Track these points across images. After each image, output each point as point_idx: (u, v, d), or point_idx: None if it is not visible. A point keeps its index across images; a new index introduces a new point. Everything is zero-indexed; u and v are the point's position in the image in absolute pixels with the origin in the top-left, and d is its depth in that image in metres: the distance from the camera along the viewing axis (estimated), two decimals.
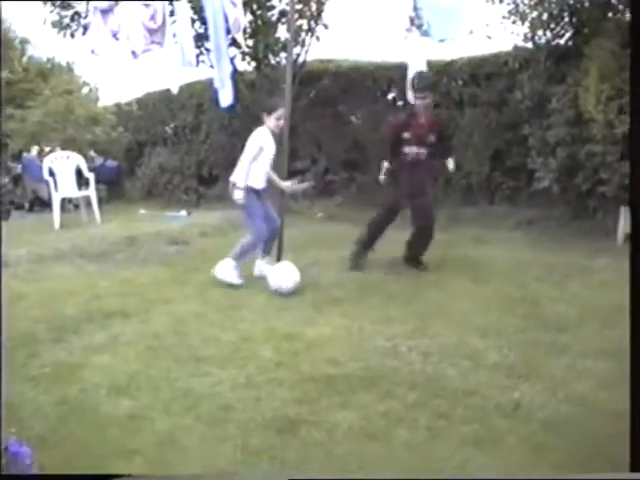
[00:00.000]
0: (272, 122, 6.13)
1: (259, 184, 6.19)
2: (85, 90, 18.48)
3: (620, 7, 8.12)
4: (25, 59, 19.86)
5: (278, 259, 6.45)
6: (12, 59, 18.71)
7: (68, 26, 10.50)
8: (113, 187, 13.82)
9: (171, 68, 7.43)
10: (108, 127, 14.06)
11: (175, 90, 7.54)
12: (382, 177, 6.55)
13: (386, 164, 6.53)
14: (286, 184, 6.52)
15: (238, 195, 6.03)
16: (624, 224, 7.15)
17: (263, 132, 6.15)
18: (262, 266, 6.37)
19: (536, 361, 4.06)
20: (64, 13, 10.46)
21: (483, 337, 4.49)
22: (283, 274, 5.87)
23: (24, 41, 20.38)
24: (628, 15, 8.09)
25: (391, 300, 5.48)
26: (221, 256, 6.26)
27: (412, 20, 7.14)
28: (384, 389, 3.69)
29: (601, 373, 3.85)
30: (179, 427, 3.31)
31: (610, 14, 8.02)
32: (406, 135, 6.35)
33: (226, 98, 7.04)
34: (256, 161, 6.06)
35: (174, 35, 7.17)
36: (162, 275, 6.69)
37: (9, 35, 19.48)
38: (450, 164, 6.59)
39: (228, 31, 7.07)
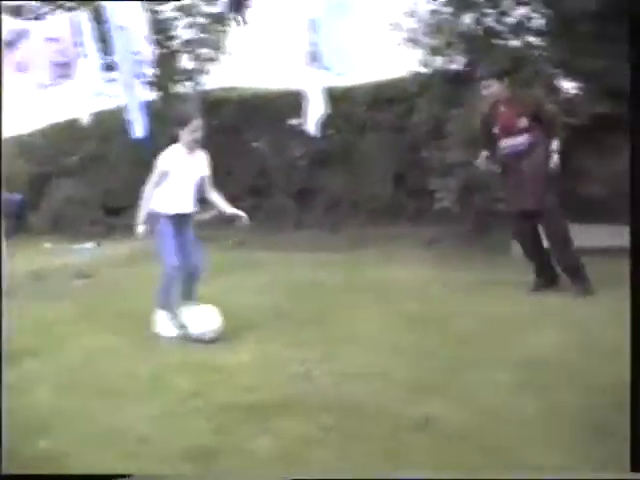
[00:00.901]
0: (187, 136, 5.43)
1: (173, 209, 5.51)
2: None
3: (507, 35, 8.59)
4: None
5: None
6: None
7: None
8: (17, 221, 13.51)
9: (79, 99, 7.40)
10: (9, 159, 13.72)
11: (85, 121, 7.50)
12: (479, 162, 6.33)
13: (485, 153, 6.34)
14: (230, 210, 5.87)
15: (138, 228, 5.46)
16: None
17: (171, 152, 5.47)
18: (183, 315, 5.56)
19: (444, 376, 4.23)
20: None
21: (392, 356, 4.64)
22: (204, 319, 5.39)
23: None
24: (514, 42, 8.57)
25: (302, 324, 5.58)
26: (132, 287, 6.23)
27: (310, 55, 7.31)
28: (299, 413, 3.78)
29: (507, 384, 4.05)
30: (99, 463, 3.30)
31: (499, 41, 8.47)
32: (495, 130, 6.14)
33: (139, 130, 7.05)
34: (159, 186, 5.41)
35: (83, 66, 7.14)
36: (72, 310, 6.60)
37: None
38: (553, 145, 6.01)
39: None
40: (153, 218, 5.48)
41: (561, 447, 3.17)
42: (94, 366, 4.81)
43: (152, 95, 10.78)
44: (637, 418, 2.64)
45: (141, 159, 11.38)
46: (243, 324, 5.66)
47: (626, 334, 2.78)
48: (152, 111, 10.63)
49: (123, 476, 2.77)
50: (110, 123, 11.76)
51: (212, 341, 5.27)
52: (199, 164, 5.57)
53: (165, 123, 10.48)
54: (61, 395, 4.26)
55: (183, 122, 5.44)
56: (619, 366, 3.93)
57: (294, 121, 10.94)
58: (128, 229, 10.91)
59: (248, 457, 3.28)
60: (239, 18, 7.31)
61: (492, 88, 6.10)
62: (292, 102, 10.60)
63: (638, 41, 3.00)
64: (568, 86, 8.34)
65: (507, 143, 6.08)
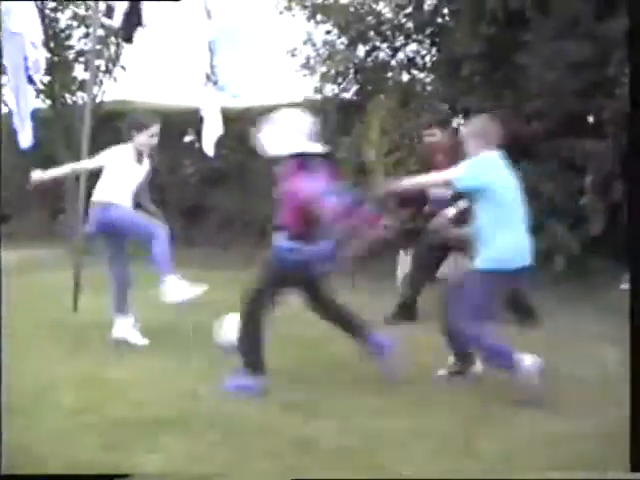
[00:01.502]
0: (143, 139, 5.46)
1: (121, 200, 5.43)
2: None
3: (396, 67, 9.02)
4: None
5: (75, 306, 6.43)
6: None
7: None
8: None
9: None
10: None
11: None
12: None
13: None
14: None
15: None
16: (402, 267, 7.85)
17: (118, 150, 5.50)
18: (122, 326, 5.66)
19: (323, 398, 4.41)
20: None
21: (275, 377, 4.77)
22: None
23: None
24: (405, 76, 9.00)
25: (190, 341, 5.63)
26: (17, 299, 6.11)
27: (208, 76, 7.45)
28: (187, 430, 3.87)
29: (378, 406, 4.28)
30: None
31: (390, 74, 8.87)
32: None
33: (26, 140, 6.93)
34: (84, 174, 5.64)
35: None
36: None
37: None
38: None
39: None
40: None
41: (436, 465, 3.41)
42: None
43: (42, 104, 10.59)
44: (637, 418, 2.79)
45: (28, 167, 11.16)
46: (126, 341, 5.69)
47: None
48: (42, 120, 10.51)
49: (123, 476, 2.79)
50: None
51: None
52: (142, 170, 5.60)
53: (55, 133, 10.40)
54: None
55: (142, 126, 5.45)
56: None
57: (188, 138, 11.02)
58: (9, 239, 10.75)
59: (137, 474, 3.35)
60: (127, 35, 7.32)
61: (435, 137, 6.14)
62: (187, 120, 10.70)
63: (638, 42, 3.13)
64: (455, 123, 8.76)
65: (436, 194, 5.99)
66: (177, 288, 5.27)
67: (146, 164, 5.66)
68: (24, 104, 6.97)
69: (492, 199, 4.32)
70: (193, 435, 3.78)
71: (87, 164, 5.76)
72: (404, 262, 7.87)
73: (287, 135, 4.41)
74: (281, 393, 4.46)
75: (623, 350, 5.10)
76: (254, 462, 3.46)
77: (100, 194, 5.47)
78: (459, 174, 4.39)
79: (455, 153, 5.65)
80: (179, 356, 5.24)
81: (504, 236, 4.32)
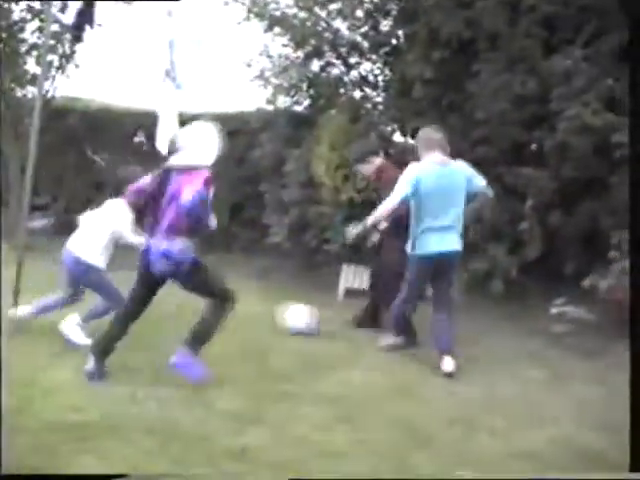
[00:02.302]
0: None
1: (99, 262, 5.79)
2: None
3: (349, 84, 9.18)
4: None
5: (15, 302, 6.37)
6: None
7: None
8: None
9: None
10: None
11: None
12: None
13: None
14: None
15: None
16: (345, 280, 7.99)
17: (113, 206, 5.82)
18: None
19: (263, 408, 4.50)
20: None
21: (217, 386, 4.83)
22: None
23: None
24: (358, 93, 9.16)
25: (130, 348, 5.63)
26: None
27: (167, 73, 7.43)
28: (124, 435, 3.91)
29: (319, 417, 4.38)
30: None
31: (342, 90, 9.02)
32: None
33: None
34: None
35: None
36: None
37: None
38: None
39: None
40: None
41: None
42: None
43: None
44: (637, 418, 2.87)
45: None
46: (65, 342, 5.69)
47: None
48: None
49: (122, 476, 2.82)
50: None
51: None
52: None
53: (3, 125, 10.26)
54: None
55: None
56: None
57: (137, 139, 10.99)
58: None
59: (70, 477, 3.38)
60: (77, 34, 7.31)
61: (374, 163, 6.44)
62: (139, 119, 10.69)
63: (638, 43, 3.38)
64: (401, 140, 8.96)
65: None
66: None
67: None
68: None
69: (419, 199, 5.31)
70: (130, 440, 3.84)
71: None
72: (347, 275, 8.02)
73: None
74: (221, 401, 4.54)
75: (545, 370, 5.42)
76: (187, 469, 3.54)
77: (78, 246, 5.71)
78: (397, 193, 5.31)
79: (393, 172, 6.15)
80: (117, 360, 5.24)
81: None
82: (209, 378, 4.73)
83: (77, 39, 7.04)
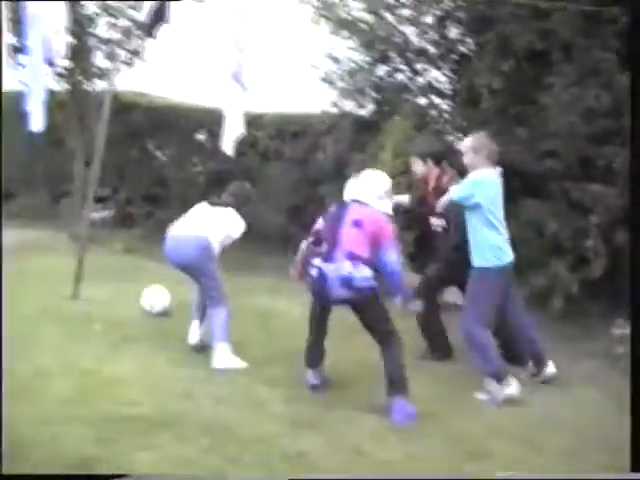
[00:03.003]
0: None
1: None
2: None
3: (415, 91, 9.08)
4: None
5: (75, 291, 6.48)
6: None
7: None
8: None
9: None
10: None
11: None
12: None
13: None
14: None
15: None
16: None
17: None
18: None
19: (318, 413, 4.46)
20: None
21: (271, 388, 4.81)
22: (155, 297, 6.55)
23: None
24: (423, 100, 9.06)
25: (185, 344, 5.67)
26: (16, 280, 6.11)
27: (234, 75, 7.46)
28: (179, 432, 3.91)
29: (372, 426, 4.32)
30: None
31: (408, 97, 8.93)
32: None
33: (37, 123, 6.95)
34: None
35: None
36: None
37: None
38: None
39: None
40: None
41: None
42: None
43: (60, 87, 10.62)
44: (637, 418, 2.87)
45: (36, 147, 11.21)
46: (127, 335, 5.73)
47: None
48: (56, 103, 10.54)
49: (122, 476, 2.84)
50: (8, 106, 11.49)
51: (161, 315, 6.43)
52: None
53: (69, 118, 10.43)
54: None
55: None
56: None
57: (200, 137, 11.07)
58: (14, 216, 10.76)
59: (128, 470, 3.39)
60: (150, 31, 7.38)
61: (431, 167, 6.04)
62: (202, 118, 10.77)
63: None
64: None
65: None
66: (225, 357, 5.33)
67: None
68: (40, 88, 6.99)
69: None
70: (185, 438, 3.84)
71: None
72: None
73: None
74: (276, 404, 4.52)
75: (605, 393, 5.25)
76: (241, 470, 3.52)
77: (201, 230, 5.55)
78: (456, 193, 5.13)
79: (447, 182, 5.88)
80: (172, 357, 5.28)
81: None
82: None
83: (150, 35, 7.10)
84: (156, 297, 6.61)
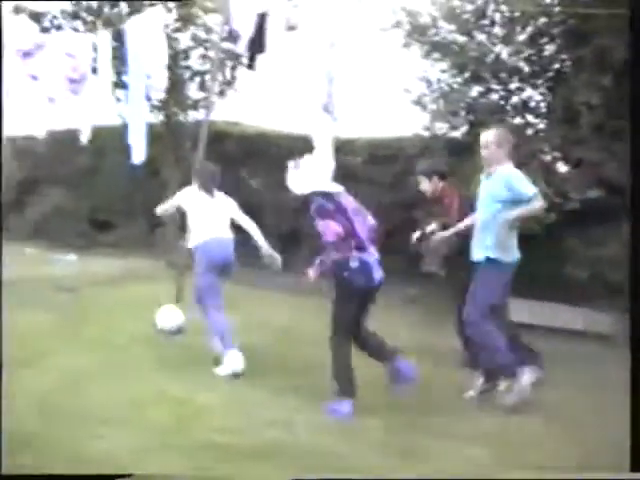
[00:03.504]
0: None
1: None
2: None
3: (509, 111, 8.88)
4: None
5: None
6: None
7: None
8: None
9: (84, 112, 7.49)
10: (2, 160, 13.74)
11: (85, 140, 7.54)
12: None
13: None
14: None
15: None
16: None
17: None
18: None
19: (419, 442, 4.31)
20: None
21: (370, 415, 4.69)
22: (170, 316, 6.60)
23: None
24: (519, 120, 8.85)
25: (284, 372, 5.61)
26: (114, 309, 6.23)
27: (324, 105, 7.49)
28: (277, 462, 3.84)
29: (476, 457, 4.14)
30: None
31: (502, 117, 8.72)
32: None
33: (139, 155, 7.12)
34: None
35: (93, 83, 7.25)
36: (50, 324, 6.59)
37: None
38: None
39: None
40: None
41: None
42: (73, 388, 4.84)
43: (155, 119, 10.89)
44: (637, 418, 2.78)
45: (134, 178, 11.53)
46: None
47: None
48: (153, 136, 10.83)
49: (123, 476, 2.82)
50: (108, 139, 11.87)
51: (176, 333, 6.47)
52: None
53: (164, 149, 10.67)
54: (43, 415, 4.28)
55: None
56: None
57: (292, 164, 11.10)
58: (112, 246, 11.07)
59: None
60: (250, 62, 7.45)
61: (436, 184, 6.55)
62: (293, 145, 10.80)
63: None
64: (563, 169, 8.60)
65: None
66: (235, 362, 5.54)
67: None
68: (141, 122, 7.16)
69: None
70: (283, 468, 3.76)
71: None
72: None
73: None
74: (376, 432, 4.40)
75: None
76: None
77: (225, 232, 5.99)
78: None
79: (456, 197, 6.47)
80: (270, 383, 5.24)
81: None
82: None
83: (250, 67, 7.19)
84: (170, 316, 6.67)
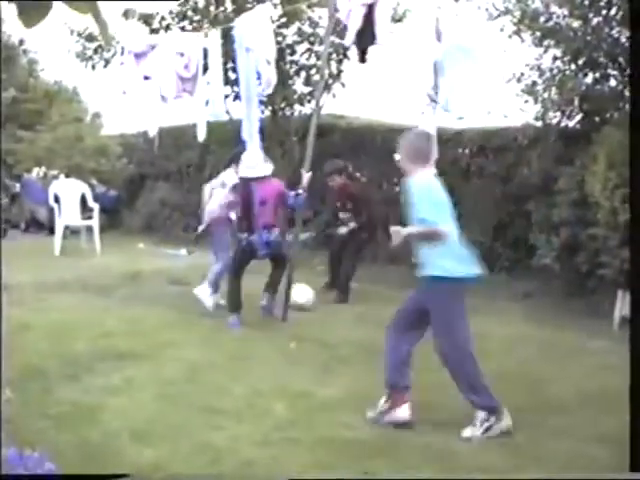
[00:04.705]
0: None
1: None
2: (89, 117, 18.66)
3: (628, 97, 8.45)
4: (32, 80, 20.04)
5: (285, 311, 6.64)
6: (20, 77, 18.90)
7: (91, 58, 10.72)
8: (110, 216, 13.90)
9: (194, 110, 7.64)
10: (113, 157, 14.22)
11: (201, 138, 7.69)
12: None
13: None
14: None
15: None
16: (620, 307, 7.32)
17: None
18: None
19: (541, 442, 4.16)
20: (88, 45, 10.68)
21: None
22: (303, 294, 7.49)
23: (32, 61, 20.61)
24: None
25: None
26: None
27: (430, 97, 7.34)
28: (398, 459, 3.78)
29: (602, 459, 3.94)
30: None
31: (620, 104, 8.32)
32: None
33: (254, 152, 7.18)
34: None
35: (207, 82, 7.37)
36: (168, 317, 6.77)
37: (17, 53, 19.71)
38: None
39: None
40: None
41: None
42: (193, 379, 4.93)
43: (262, 114, 10.99)
44: (637, 418, 2.67)
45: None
46: (339, 356, 5.70)
47: None
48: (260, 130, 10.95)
49: (123, 476, 2.83)
50: (212, 134, 12.07)
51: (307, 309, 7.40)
52: None
53: (271, 143, 10.75)
54: (163, 405, 4.38)
55: None
56: None
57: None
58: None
59: None
60: (361, 55, 7.36)
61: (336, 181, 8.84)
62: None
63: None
64: None
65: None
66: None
67: None
68: (254, 117, 7.23)
69: None
70: (406, 465, 3.70)
71: None
72: (623, 302, 7.35)
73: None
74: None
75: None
76: None
77: None
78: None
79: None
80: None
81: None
82: None
83: (362, 61, 7.12)
84: (303, 293, 7.51)
